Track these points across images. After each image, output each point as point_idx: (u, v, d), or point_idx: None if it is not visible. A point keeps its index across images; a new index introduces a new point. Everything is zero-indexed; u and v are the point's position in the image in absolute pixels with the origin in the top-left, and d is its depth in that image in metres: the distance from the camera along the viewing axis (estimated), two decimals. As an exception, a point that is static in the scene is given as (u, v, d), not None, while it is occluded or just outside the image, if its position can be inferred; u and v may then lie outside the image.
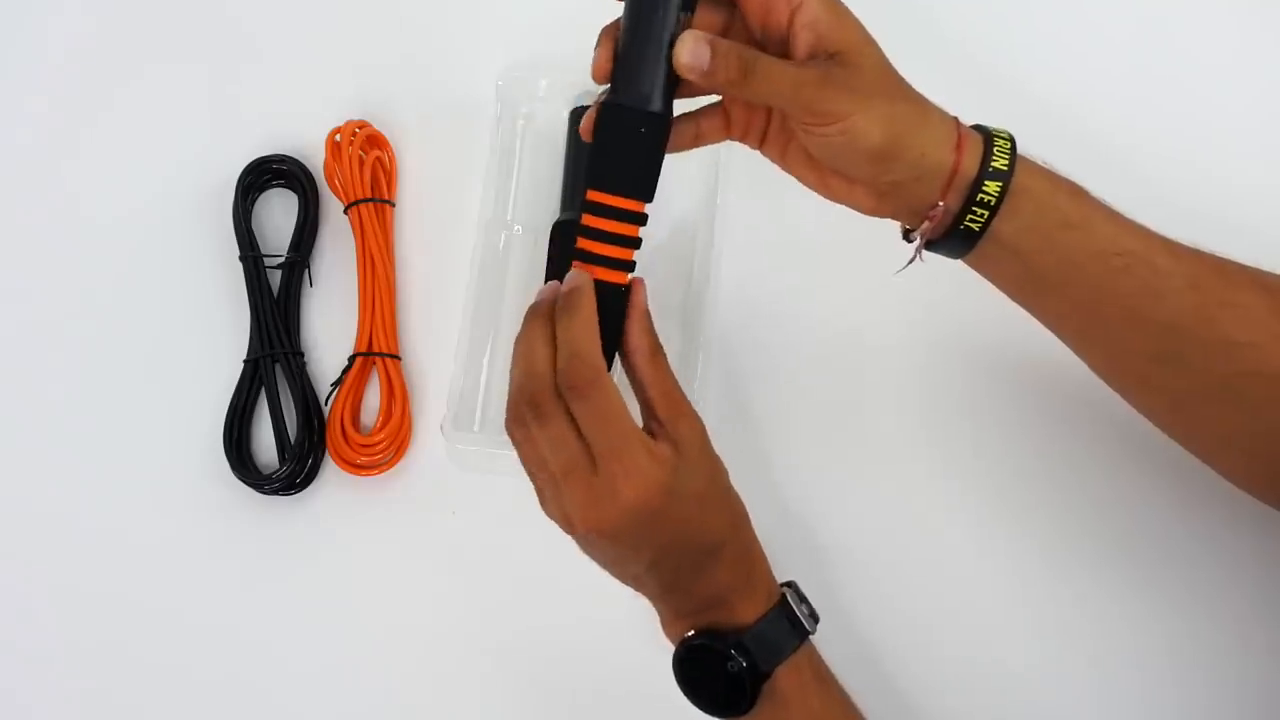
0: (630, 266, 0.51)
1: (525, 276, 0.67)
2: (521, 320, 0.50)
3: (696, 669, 0.51)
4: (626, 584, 0.52)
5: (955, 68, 0.68)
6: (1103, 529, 0.63)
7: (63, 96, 0.75)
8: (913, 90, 0.50)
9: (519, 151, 0.70)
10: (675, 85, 0.49)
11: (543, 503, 0.50)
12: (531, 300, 0.51)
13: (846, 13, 0.49)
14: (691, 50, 0.47)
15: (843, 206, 0.53)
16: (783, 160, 0.53)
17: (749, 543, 0.53)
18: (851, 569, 0.62)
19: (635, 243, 0.50)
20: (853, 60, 0.48)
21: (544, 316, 0.49)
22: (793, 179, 0.54)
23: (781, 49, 0.49)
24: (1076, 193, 0.51)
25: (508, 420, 0.50)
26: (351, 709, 0.63)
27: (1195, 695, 0.60)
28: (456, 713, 0.63)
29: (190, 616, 0.64)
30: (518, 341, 0.50)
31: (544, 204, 0.69)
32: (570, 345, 0.48)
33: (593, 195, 0.50)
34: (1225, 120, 0.72)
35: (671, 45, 0.47)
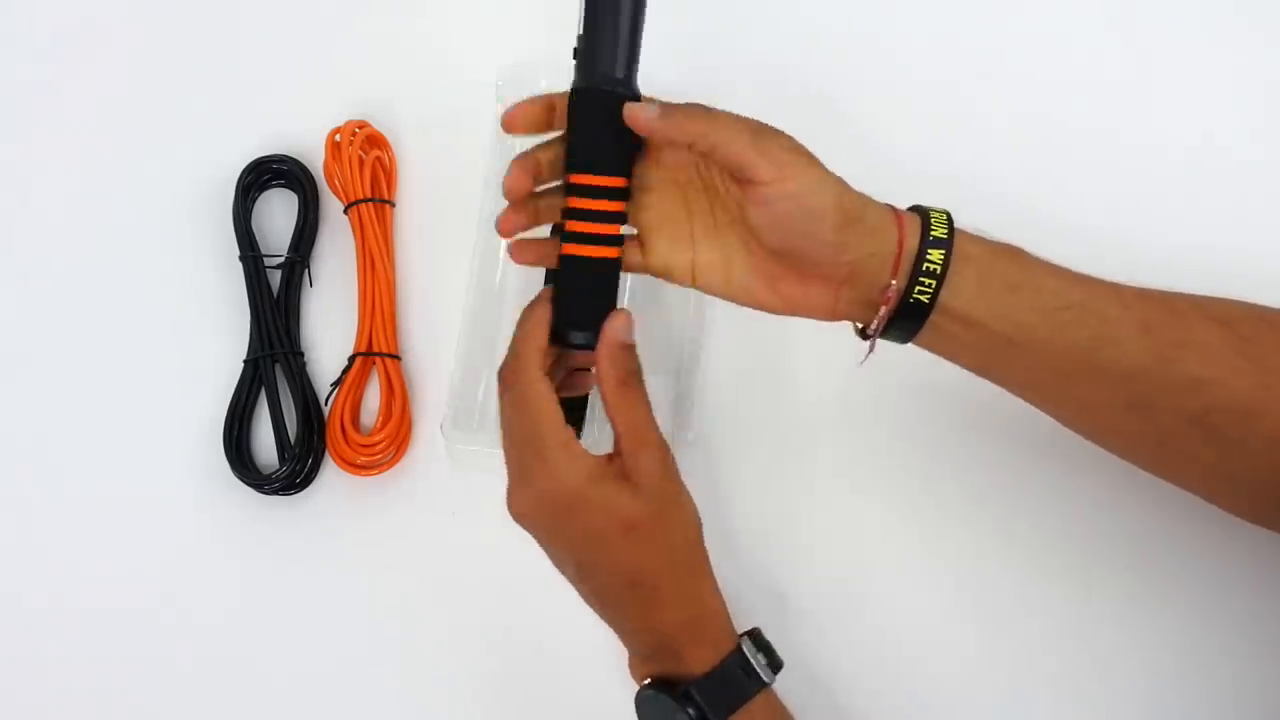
0: (618, 240, 0.52)
1: (525, 277, 0.67)
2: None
3: (649, 716, 0.53)
4: (588, 603, 0.53)
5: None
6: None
7: (64, 97, 0.75)
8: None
9: (519, 151, 0.70)
10: (636, 63, 0.50)
11: None
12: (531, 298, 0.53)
13: (768, 132, 0.50)
14: (644, 108, 0.49)
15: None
16: (727, 286, 0.53)
17: (699, 591, 0.52)
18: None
19: (620, 217, 0.52)
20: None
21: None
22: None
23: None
24: (1016, 255, 0.52)
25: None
26: (351, 708, 0.63)
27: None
28: (456, 712, 0.63)
29: (190, 616, 0.64)
30: None
31: (544, 204, 0.68)
32: (512, 345, 0.51)
33: (574, 178, 0.51)
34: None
35: (634, 23, 0.49)
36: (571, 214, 0.51)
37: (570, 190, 0.51)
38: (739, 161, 0.49)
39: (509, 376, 0.51)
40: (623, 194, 0.52)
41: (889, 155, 0.69)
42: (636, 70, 0.51)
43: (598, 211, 0.51)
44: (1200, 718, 0.60)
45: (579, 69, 0.51)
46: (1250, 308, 0.53)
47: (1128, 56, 0.74)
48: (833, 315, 0.52)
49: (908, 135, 0.71)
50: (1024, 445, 0.64)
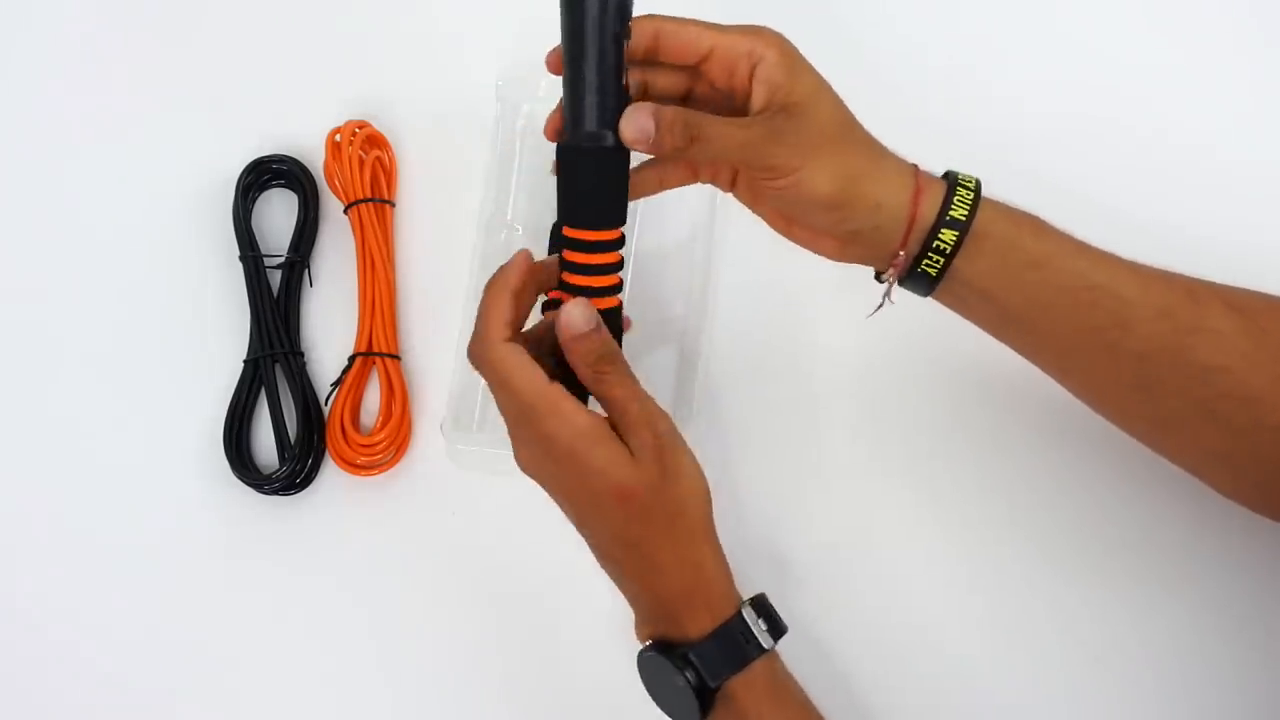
0: (617, 289, 0.52)
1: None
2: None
3: (651, 678, 0.53)
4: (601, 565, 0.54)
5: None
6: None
7: (63, 97, 0.75)
8: (870, 141, 0.51)
9: (519, 151, 0.70)
10: (619, 110, 0.49)
11: None
12: None
13: (802, 67, 0.50)
14: (636, 124, 0.48)
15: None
16: (754, 205, 0.55)
17: (698, 560, 0.52)
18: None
19: (617, 267, 0.52)
20: (804, 113, 0.49)
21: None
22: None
23: (744, 102, 0.50)
24: (1040, 230, 0.52)
25: None
26: (351, 709, 0.63)
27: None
28: (456, 712, 0.63)
29: (190, 617, 0.64)
30: None
31: (544, 204, 0.68)
32: (476, 322, 0.51)
33: (568, 232, 0.51)
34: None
35: (615, 77, 0.49)
36: (567, 266, 0.51)
37: (563, 242, 0.51)
38: (734, 165, 0.52)
39: (475, 354, 0.51)
40: (615, 245, 0.51)
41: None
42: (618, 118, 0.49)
43: (591, 265, 0.51)
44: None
45: (568, 122, 0.49)
46: (1273, 299, 0.53)
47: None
48: (842, 260, 0.54)
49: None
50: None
